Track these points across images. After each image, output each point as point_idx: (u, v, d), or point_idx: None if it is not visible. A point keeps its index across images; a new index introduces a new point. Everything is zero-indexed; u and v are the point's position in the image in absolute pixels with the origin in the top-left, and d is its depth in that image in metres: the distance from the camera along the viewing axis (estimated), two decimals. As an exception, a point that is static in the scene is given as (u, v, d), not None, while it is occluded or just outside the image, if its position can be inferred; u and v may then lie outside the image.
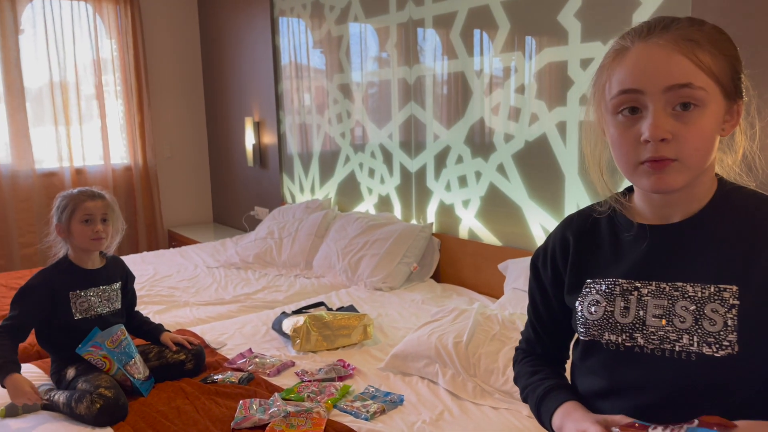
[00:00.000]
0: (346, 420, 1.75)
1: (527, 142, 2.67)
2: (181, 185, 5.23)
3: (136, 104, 4.78)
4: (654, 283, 0.92)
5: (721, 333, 0.86)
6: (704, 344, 0.87)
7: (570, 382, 1.08)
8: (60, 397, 1.83)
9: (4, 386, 1.79)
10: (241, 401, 1.82)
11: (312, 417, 1.73)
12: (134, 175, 4.86)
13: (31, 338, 2.28)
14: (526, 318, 2.06)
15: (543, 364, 1.13)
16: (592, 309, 0.96)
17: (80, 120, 4.60)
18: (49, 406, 1.85)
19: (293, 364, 2.17)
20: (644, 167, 0.87)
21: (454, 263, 3.07)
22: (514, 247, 2.78)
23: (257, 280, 3.30)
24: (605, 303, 0.95)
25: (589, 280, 0.99)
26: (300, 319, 2.30)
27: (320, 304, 2.68)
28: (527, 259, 2.54)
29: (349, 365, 2.11)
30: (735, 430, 0.77)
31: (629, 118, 0.88)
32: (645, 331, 0.92)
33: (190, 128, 5.22)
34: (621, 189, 1.02)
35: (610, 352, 0.95)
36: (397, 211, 3.45)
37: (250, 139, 4.59)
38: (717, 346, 0.86)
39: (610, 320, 0.94)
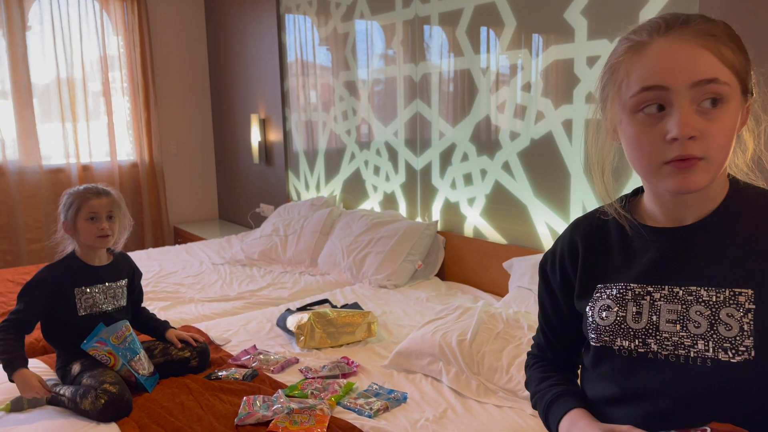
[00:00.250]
0: (350, 417, 1.75)
1: (533, 140, 2.66)
2: (187, 182, 5.25)
3: (143, 101, 4.79)
4: (667, 287, 0.90)
5: (737, 338, 0.84)
6: (720, 350, 0.85)
7: (580, 387, 1.06)
8: (65, 392, 1.84)
9: (12, 381, 1.81)
10: (244, 398, 1.82)
11: (315, 414, 1.73)
12: (140, 172, 4.88)
13: (37, 333, 2.30)
14: (530, 316, 2.07)
15: (553, 369, 1.11)
16: (604, 314, 0.94)
17: (87, 117, 4.62)
18: (54, 401, 1.86)
19: (297, 361, 2.17)
20: (668, 167, 0.83)
21: (458, 261, 3.07)
22: (520, 245, 2.77)
23: (262, 277, 3.31)
24: (617, 308, 0.93)
25: (599, 285, 0.97)
26: (304, 317, 2.30)
27: (325, 301, 2.69)
28: (532, 258, 2.54)
29: (353, 362, 2.11)
30: None
31: (651, 117, 0.84)
32: (658, 337, 0.89)
33: (196, 125, 5.23)
34: (621, 193, 1.00)
35: (622, 359, 0.93)
36: (402, 208, 3.45)
37: (255, 136, 4.59)
38: (733, 351, 0.84)
39: (623, 326, 0.92)
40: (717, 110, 0.82)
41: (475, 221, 3.00)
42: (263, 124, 4.56)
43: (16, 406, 1.84)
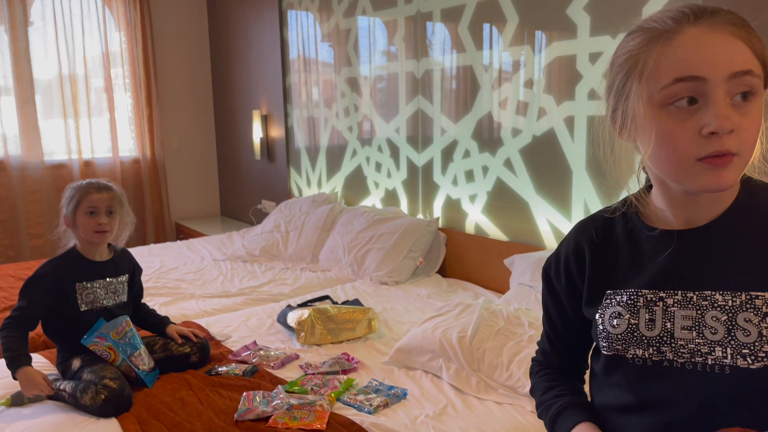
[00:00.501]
0: (349, 413, 1.75)
1: (535, 137, 2.65)
2: (189, 178, 5.25)
3: (145, 97, 4.79)
4: (680, 292, 0.86)
5: (756, 344, 0.80)
6: (738, 356, 0.81)
7: (589, 393, 1.03)
8: (65, 387, 1.84)
9: (16, 378, 1.80)
10: (244, 393, 1.82)
11: (315, 410, 1.73)
12: (142, 168, 4.88)
13: (38, 329, 2.30)
14: (531, 313, 2.07)
15: (559, 378, 1.07)
16: (615, 322, 0.90)
17: (89, 113, 4.62)
18: (55, 396, 1.86)
19: (297, 356, 2.17)
20: (701, 164, 0.77)
21: (460, 258, 3.06)
22: (521, 242, 2.77)
23: (263, 273, 3.31)
24: (628, 315, 0.89)
25: (609, 291, 0.92)
26: (305, 313, 2.30)
27: (325, 297, 2.68)
28: (534, 255, 2.53)
29: (353, 359, 2.11)
30: None
31: (684, 110, 0.78)
32: (673, 345, 0.86)
33: (198, 121, 5.23)
34: (622, 196, 0.96)
35: (636, 367, 0.89)
36: (404, 205, 3.44)
37: (257, 133, 4.59)
38: (752, 357, 0.81)
39: (635, 334, 0.88)
40: (748, 104, 0.78)
41: (476, 218, 3.00)
42: (265, 121, 4.56)
43: (17, 400, 1.84)
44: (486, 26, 2.82)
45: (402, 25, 3.28)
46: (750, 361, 0.81)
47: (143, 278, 2.31)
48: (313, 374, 2.00)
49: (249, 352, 2.18)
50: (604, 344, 0.92)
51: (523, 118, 2.69)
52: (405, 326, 2.41)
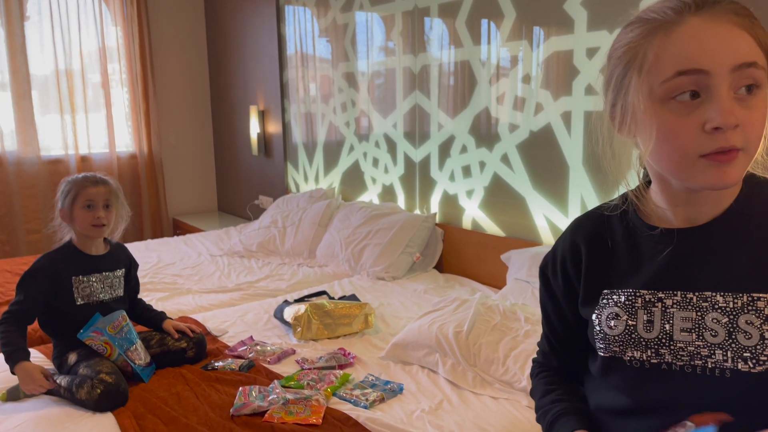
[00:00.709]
0: (345, 408, 1.75)
1: (532, 132, 2.65)
2: (186, 173, 5.24)
3: (142, 92, 4.78)
4: (679, 293, 0.83)
5: (758, 347, 0.78)
6: (740, 360, 0.79)
7: (587, 395, 1.01)
8: (61, 381, 1.84)
9: (14, 373, 1.80)
10: (240, 388, 1.82)
11: (311, 404, 1.73)
12: (139, 163, 4.87)
13: (34, 323, 2.30)
14: (527, 308, 2.07)
15: (558, 381, 1.04)
16: (612, 323, 0.87)
17: (86, 108, 4.61)
18: (51, 391, 1.86)
19: (294, 352, 2.17)
20: (705, 161, 0.75)
21: (457, 253, 3.06)
22: (518, 237, 2.77)
23: (260, 268, 3.30)
24: (626, 316, 0.86)
25: (605, 291, 0.89)
26: (301, 308, 2.30)
27: (322, 293, 2.68)
28: (530, 250, 2.53)
29: (349, 354, 2.11)
30: None
31: (685, 105, 0.75)
32: (672, 347, 0.83)
33: (195, 117, 5.22)
34: (618, 194, 0.93)
35: (634, 370, 0.86)
36: (401, 200, 3.44)
37: (254, 128, 4.58)
38: (754, 361, 0.78)
39: (633, 335, 0.85)
40: (753, 97, 0.75)
41: (473, 213, 3.00)
42: (262, 116, 4.55)
43: (12, 395, 1.84)
44: (483, 21, 2.81)
45: (399, 20, 3.27)
46: (751, 365, 0.79)
47: (140, 273, 2.31)
48: (310, 369, 2.00)
49: (245, 347, 2.18)
50: (601, 346, 0.89)
51: (520, 113, 2.69)
52: (401, 321, 2.41)
